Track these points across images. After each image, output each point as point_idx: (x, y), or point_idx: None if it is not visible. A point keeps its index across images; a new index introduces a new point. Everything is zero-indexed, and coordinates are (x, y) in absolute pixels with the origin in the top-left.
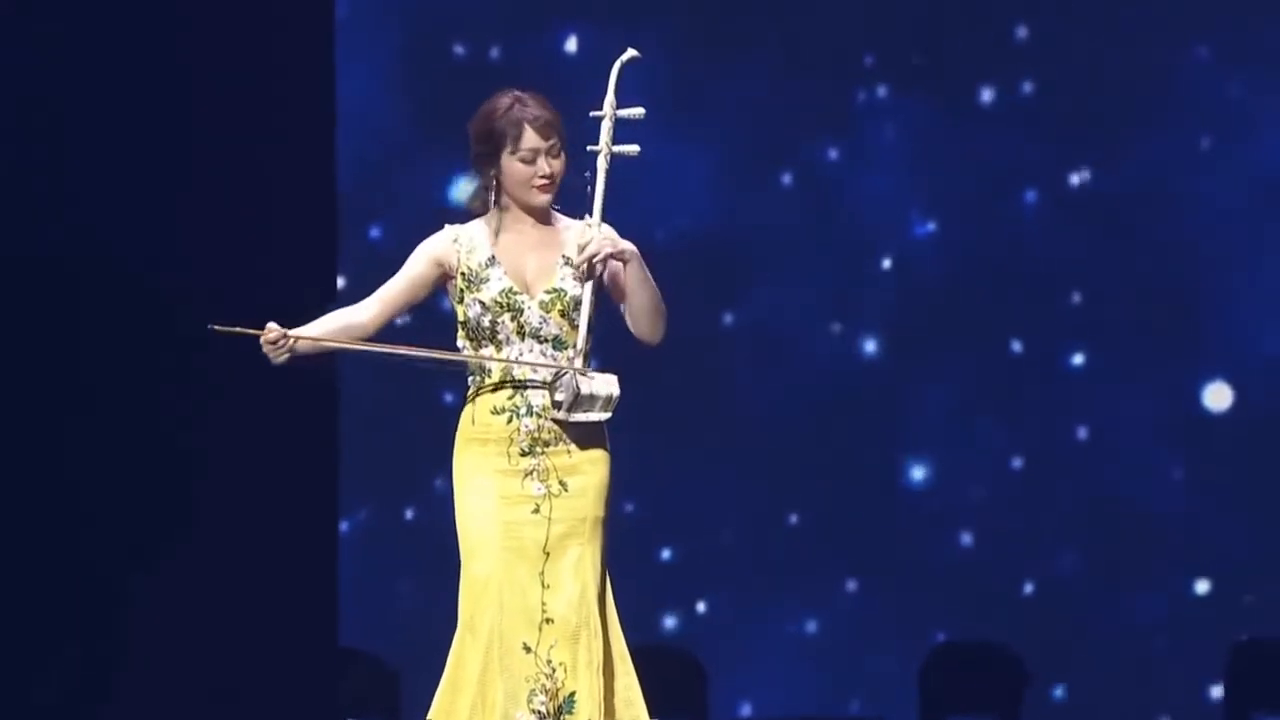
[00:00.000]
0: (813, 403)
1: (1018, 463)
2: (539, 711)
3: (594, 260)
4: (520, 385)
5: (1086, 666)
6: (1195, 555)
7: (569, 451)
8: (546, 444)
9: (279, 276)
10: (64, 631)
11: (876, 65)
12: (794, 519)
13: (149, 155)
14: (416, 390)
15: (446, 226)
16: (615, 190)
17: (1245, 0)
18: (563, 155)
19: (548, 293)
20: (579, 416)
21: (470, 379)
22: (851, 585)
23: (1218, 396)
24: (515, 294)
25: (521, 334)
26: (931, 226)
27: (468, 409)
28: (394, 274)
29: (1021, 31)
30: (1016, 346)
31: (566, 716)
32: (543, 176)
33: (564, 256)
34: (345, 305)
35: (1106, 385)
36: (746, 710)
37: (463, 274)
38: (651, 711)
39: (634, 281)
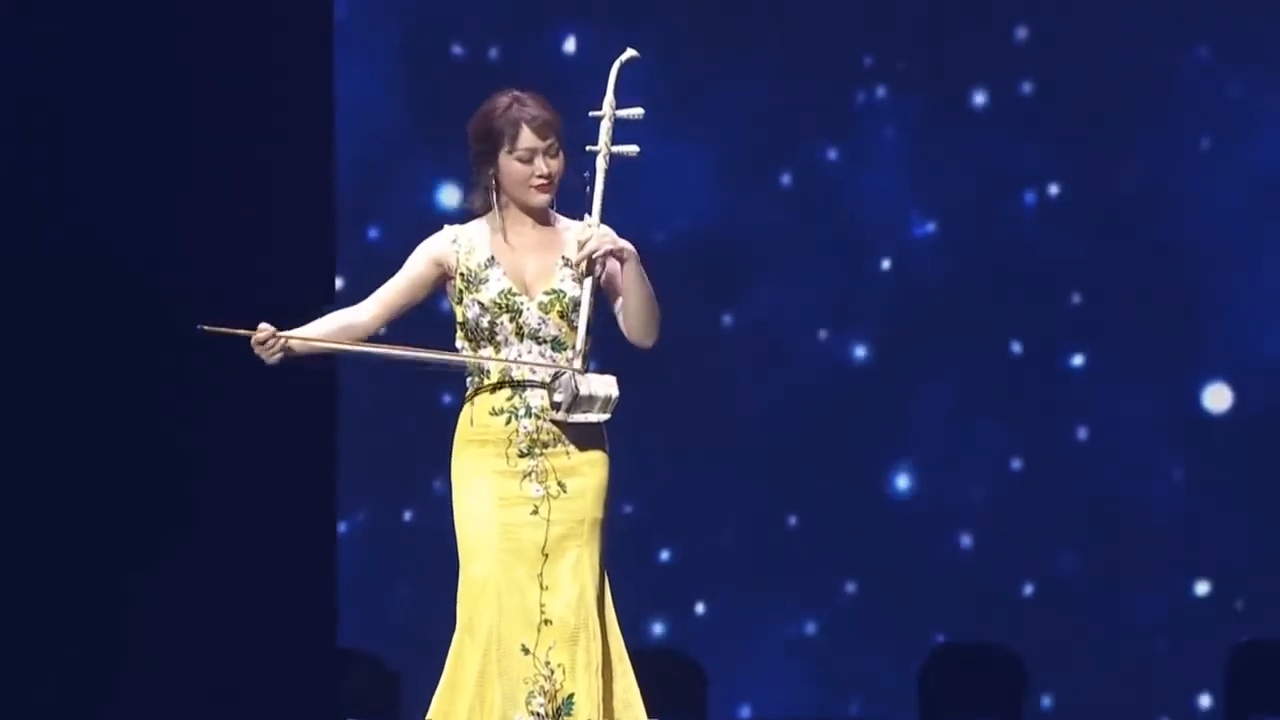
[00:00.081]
0: (812, 404)
1: (1017, 464)
2: (537, 713)
3: (593, 257)
4: (519, 386)
5: (1086, 668)
6: (1195, 556)
7: (568, 453)
8: (545, 445)
9: (277, 277)
10: (64, 631)
11: (876, 66)
12: (793, 520)
13: (148, 156)
14: (415, 391)
15: (446, 227)
16: (615, 191)
17: (1245, 1)
18: (561, 155)
19: (547, 294)
20: (578, 417)
21: (469, 380)
22: (851, 587)
23: (1217, 397)
24: (514, 295)
25: (520, 335)
26: (931, 227)
27: (466, 410)
28: (393, 274)
29: (1021, 32)
30: (1016, 347)
31: (565, 718)
32: (540, 176)
33: (563, 258)
34: (344, 305)
35: (1106, 386)
36: (745, 712)
37: (462, 274)
38: (650, 713)
39: (630, 282)
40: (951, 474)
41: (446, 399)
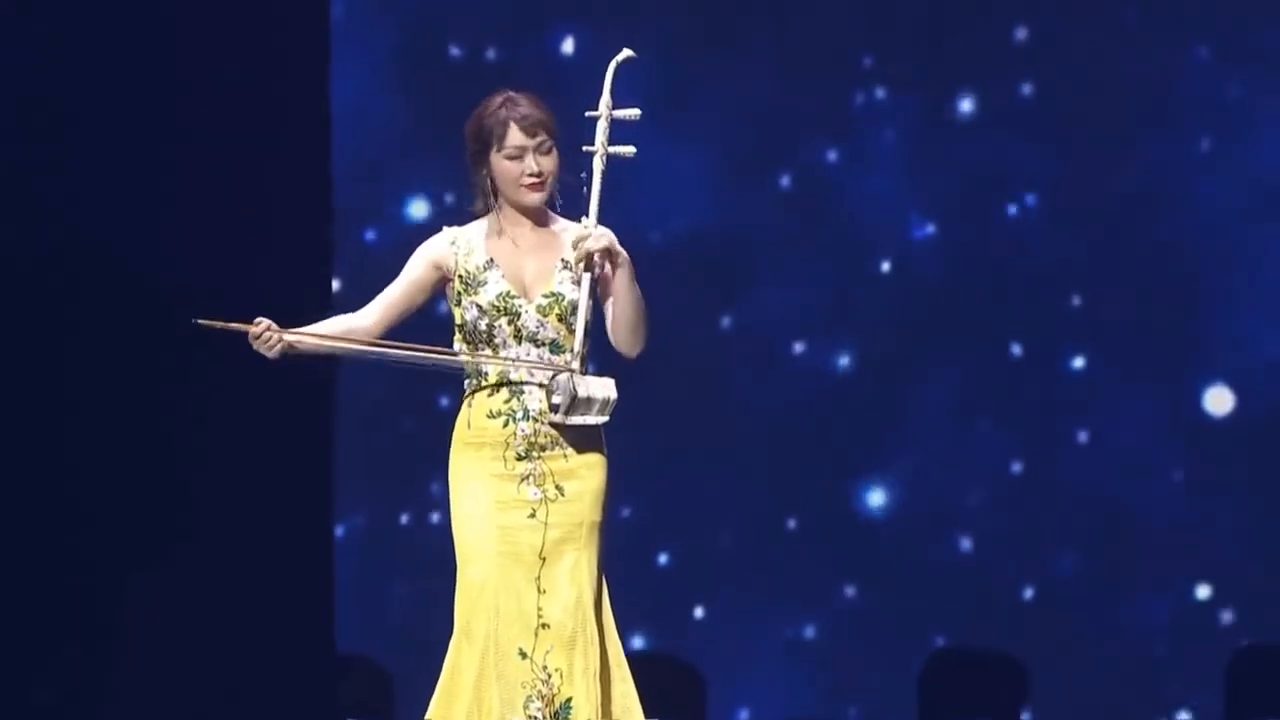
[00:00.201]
0: (811, 406)
1: (1017, 466)
2: (535, 717)
3: (592, 254)
4: (517, 389)
5: (1086, 671)
6: (1196, 559)
7: (565, 456)
8: (543, 448)
9: (274, 279)
10: (63, 632)
11: (875, 67)
12: (792, 523)
13: (146, 156)
14: (413, 394)
15: (444, 228)
16: (612, 192)
17: (1245, 1)
18: (554, 153)
19: (545, 297)
20: (576, 419)
21: (466, 382)
22: (850, 590)
23: (1218, 400)
24: (512, 298)
25: (518, 338)
26: (931, 229)
27: (463, 413)
28: (390, 276)
29: (1021, 33)
30: (1016, 349)
31: None
32: (531, 175)
33: (562, 260)
34: (341, 307)
35: (1107, 388)
36: (744, 716)
37: (460, 276)
38: (648, 717)
39: (620, 288)
40: (951, 476)
41: (444, 401)
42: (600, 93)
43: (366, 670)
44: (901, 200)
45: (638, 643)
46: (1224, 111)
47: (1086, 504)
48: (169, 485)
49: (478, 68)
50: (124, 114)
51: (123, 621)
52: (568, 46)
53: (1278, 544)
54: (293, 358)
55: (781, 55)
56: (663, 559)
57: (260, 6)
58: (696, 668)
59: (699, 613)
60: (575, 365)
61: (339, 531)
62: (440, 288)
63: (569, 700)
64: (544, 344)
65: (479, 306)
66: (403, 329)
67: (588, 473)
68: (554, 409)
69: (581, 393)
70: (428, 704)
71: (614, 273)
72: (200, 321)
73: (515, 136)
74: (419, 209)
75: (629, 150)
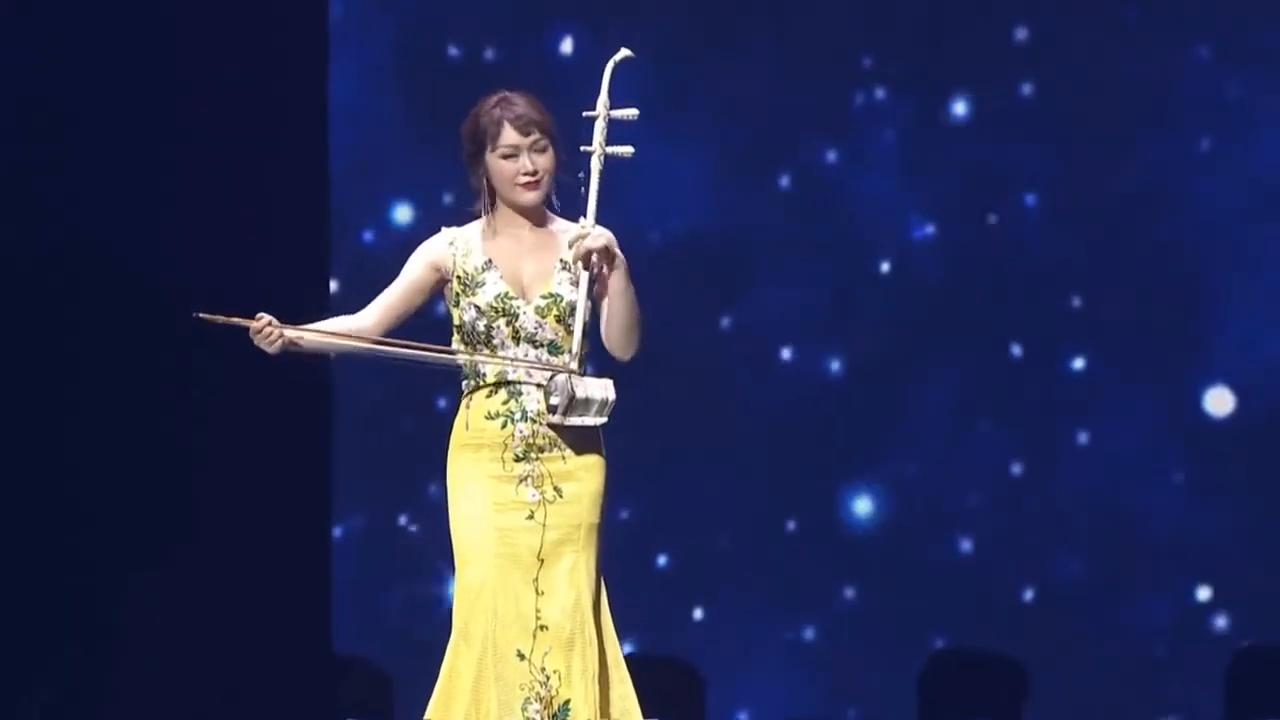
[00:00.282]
0: (811, 407)
1: (1017, 468)
2: (533, 719)
3: (591, 252)
4: (515, 390)
5: (1086, 673)
6: (1196, 561)
7: (564, 457)
8: (541, 449)
9: (271, 280)
10: (63, 632)
11: (875, 67)
12: (791, 524)
13: (146, 156)
14: (411, 395)
15: (443, 229)
16: (611, 192)
17: (1245, 1)
18: (549, 152)
19: (544, 298)
20: (574, 420)
21: (464, 383)
22: (849, 591)
23: (1219, 401)
24: (511, 299)
25: (517, 339)
26: (930, 229)
27: (461, 414)
28: (388, 276)
29: (1021, 33)
30: (1016, 350)
31: None
32: (526, 173)
33: (561, 260)
34: (339, 307)
35: (1107, 389)
36: (744, 717)
37: (458, 277)
38: (647, 718)
39: (615, 290)
40: (951, 477)
41: (442, 403)
42: (598, 92)
43: (364, 671)
44: (901, 200)
45: (637, 644)
46: (1224, 111)
47: (1086, 505)
48: (168, 485)
49: (476, 68)
50: (124, 114)
51: (123, 621)
52: (566, 46)
53: (1278, 545)
54: (293, 355)
55: (781, 55)
56: (662, 560)
57: (259, 7)
58: (696, 669)
59: (698, 614)
60: (573, 366)
61: (337, 533)
62: (439, 289)
63: (567, 702)
64: (542, 345)
65: (477, 307)
66: (402, 329)
67: (586, 474)
68: (552, 410)
69: (580, 394)
70: (425, 707)
71: (611, 274)
72: (202, 316)
73: (509, 135)
74: (415, 210)
75: (627, 150)
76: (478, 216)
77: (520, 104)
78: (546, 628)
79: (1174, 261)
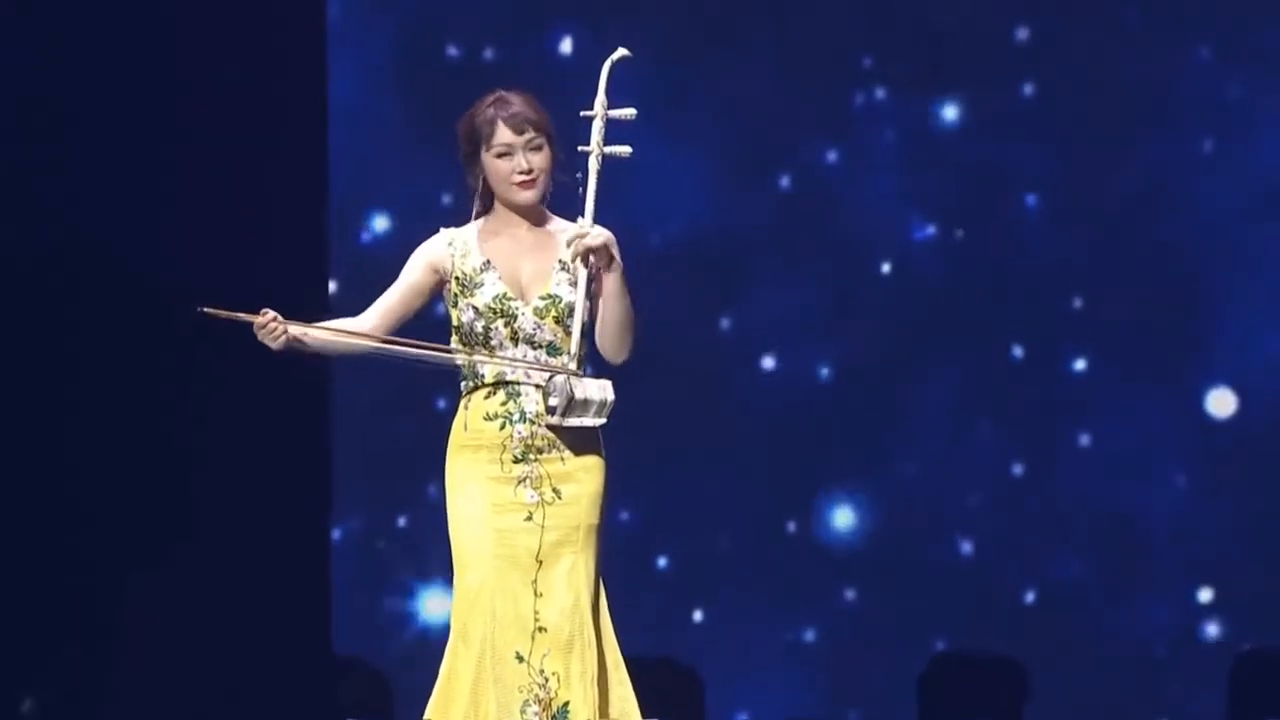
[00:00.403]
0: (811, 407)
1: (1018, 469)
2: None
3: (590, 250)
4: (514, 391)
5: (1088, 675)
6: (1198, 563)
7: (562, 459)
8: (540, 451)
9: (270, 281)
10: (64, 631)
11: (875, 67)
12: (792, 526)
13: (146, 156)
14: (409, 396)
15: (441, 230)
16: (611, 193)
17: (1247, 1)
18: (545, 150)
19: (542, 299)
20: (573, 421)
21: (463, 384)
22: (850, 593)
23: (1221, 403)
24: (509, 300)
25: (515, 340)
26: (931, 230)
27: (460, 415)
28: (386, 277)
29: (1022, 33)
30: (1017, 351)
31: None
32: (521, 172)
33: (560, 261)
34: (338, 307)
35: (1108, 391)
36: (743, 719)
37: (457, 278)
38: None
39: (609, 294)
40: (952, 479)
41: (441, 404)
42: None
43: (363, 672)
44: (901, 201)
45: (636, 646)
46: (1225, 112)
47: (1088, 507)
48: (168, 486)
49: (475, 68)
50: (124, 114)
51: (123, 621)
52: (566, 46)
53: (1279, 547)
54: (296, 352)
55: (781, 55)
56: (662, 562)
57: (258, 7)
58: (695, 671)
59: (698, 616)
60: (572, 366)
61: (336, 534)
62: (438, 290)
63: (566, 704)
64: (541, 346)
65: (475, 308)
66: (402, 330)
67: (585, 475)
68: (551, 411)
69: (579, 394)
70: (424, 709)
71: (607, 275)
72: (206, 310)
73: (504, 134)
74: (416, 210)
75: (625, 150)
76: (476, 217)
77: (516, 103)
78: (545, 629)
79: (1175, 262)
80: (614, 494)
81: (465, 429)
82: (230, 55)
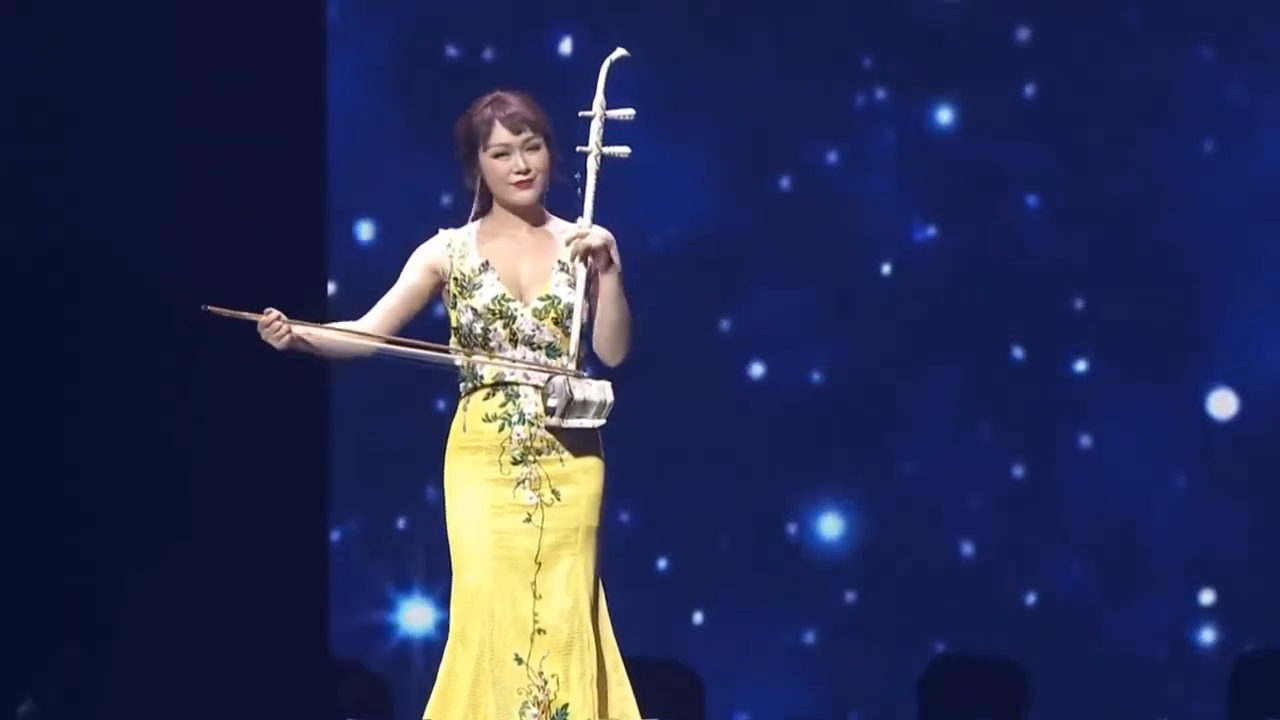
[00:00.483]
0: (811, 409)
1: (1019, 471)
2: None
3: (589, 249)
4: (513, 392)
5: (1089, 677)
6: (1199, 564)
7: (561, 460)
8: (539, 452)
9: (268, 282)
10: (64, 631)
11: (875, 67)
12: (792, 527)
13: (146, 156)
14: (409, 397)
15: (440, 231)
16: (612, 194)
17: (1247, 1)
18: (543, 150)
19: (541, 300)
20: (572, 422)
21: (461, 385)
22: (850, 595)
23: (1222, 404)
24: (508, 301)
25: (514, 341)
26: (931, 231)
27: (459, 416)
28: (385, 278)
29: (1022, 33)
30: (1018, 352)
31: None
32: (518, 172)
33: (559, 262)
34: (337, 308)
35: (1109, 392)
36: None
37: (455, 279)
38: None
39: (606, 296)
40: (952, 481)
41: (440, 405)
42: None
43: (362, 675)
44: (902, 202)
45: (636, 647)
46: (1225, 112)
47: (1088, 508)
48: (167, 487)
49: (475, 68)
50: (124, 114)
51: (123, 621)
52: (566, 47)
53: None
54: (299, 353)
55: (781, 56)
56: (661, 563)
57: (257, 7)
58: (696, 673)
59: (698, 617)
60: (571, 367)
61: (335, 536)
62: (438, 292)
63: (565, 706)
64: (540, 347)
65: (474, 310)
66: (402, 331)
67: (584, 477)
68: (550, 412)
69: (578, 396)
70: (422, 711)
71: (603, 277)
72: (210, 309)
73: (500, 134)
74: (415, 211)
75: (623, 150)
76: (475, 218)
77: (513, 103)
78: (544, 631)
79: (1176, 263)
80: (614, 495)
81: (464, 430)
82: (230, 55)
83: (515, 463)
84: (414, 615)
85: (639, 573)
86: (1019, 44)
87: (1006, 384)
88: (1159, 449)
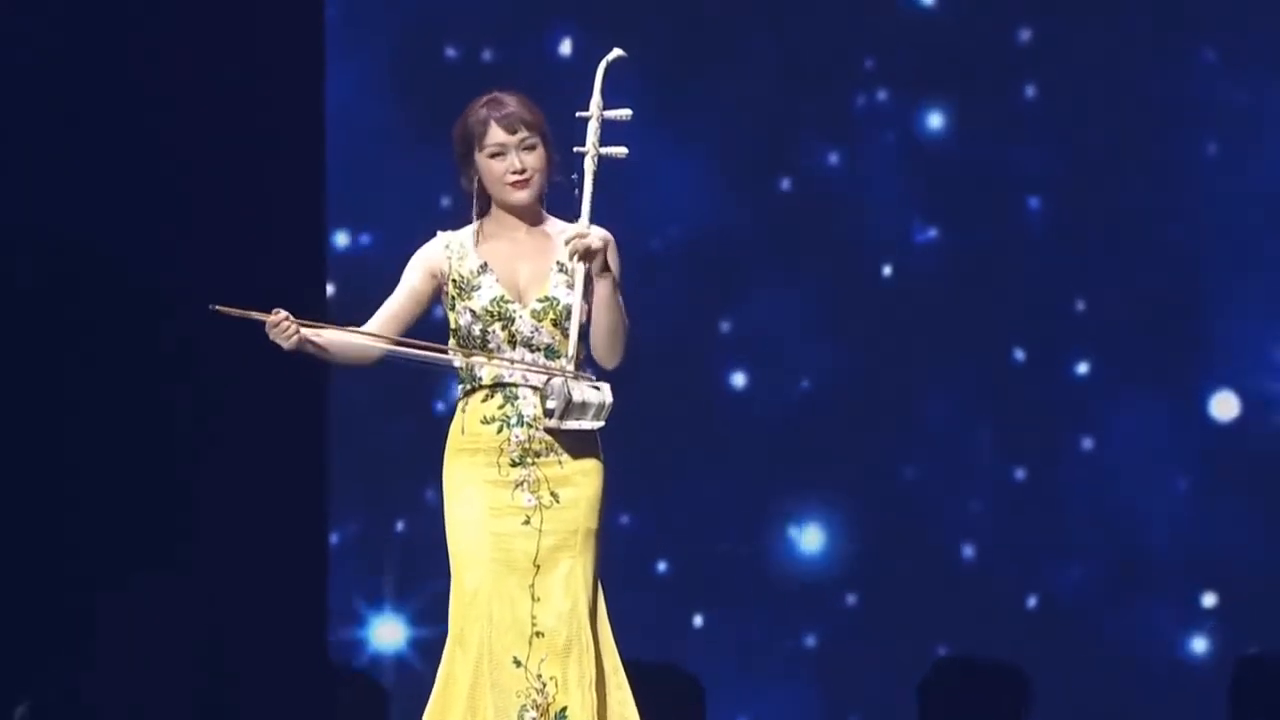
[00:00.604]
0: (812, 411)
1: (1020, 473)
2: None
3: (590, 249)
4: (511, 394)
5: (1090, 680)
6: (1201, 567)
7: (560, 462)
8: (537, 454)
9: (269, 282)
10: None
11: (876, 68)
12: (792, 530)
13: (146, 156)
14: (408, 399)
15: (438, 233)
16: (613, 195)
17: (1252, 4)
18: (539, 150)
19: (540, 301)
20: (571, 424)
21: (460, 386)
22: (851, 598)
23: (1224, 406)
24: (507, 302)
25: (513, 343)
26: (933, 232)
27: (457, 418)
28: (384, 279)
29: (1024, 35)
30: (1019, 355)
31: None
32: (514, 172)
33: (558, 263)
34: (336, 309)
35: (1111, 394)
36: None
37: (454, 281)
38: None
39: (602, 299)
40: (953, 483)
41: (439, 407)
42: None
43: (360, 678)
44: (903, 203)
45: (635, 650)
46: (1228, 114)
47: (1090, 511)
48: (166, 487)
49: (474, 69)
50: (124, 114)
51: (120, 623)
52: (565, 48)
53: None
54: (306, 354)
55: (782, 56)
56: (661, 566)
57: (256, 8)
58: (695, 677)
59: (698, 620)
60: (570, 369)
61: (333, 539)
62: (438, 294)
63: (564, 709)
64: (539, 349)
65: (472, 311)
66: (405, 335)
67: (583, 479)
68: (549, 414)
69: (576, 397)
70: (421, 714)
71: (599, 280)
72: (218, 308)
73: (496, 134)
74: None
75: (621, 151)
76: (474, 220)
77: (509, 103)
78: (543, 634)
79: (1178, 265)
80: (613, 497)
81: (463, 432)
82: (229, 56)
83: (514, 465)
84: (413, 617)
85: (639, 575)
86: (1020, 45)
87: (1008, 386)
88: (1161, 451)
